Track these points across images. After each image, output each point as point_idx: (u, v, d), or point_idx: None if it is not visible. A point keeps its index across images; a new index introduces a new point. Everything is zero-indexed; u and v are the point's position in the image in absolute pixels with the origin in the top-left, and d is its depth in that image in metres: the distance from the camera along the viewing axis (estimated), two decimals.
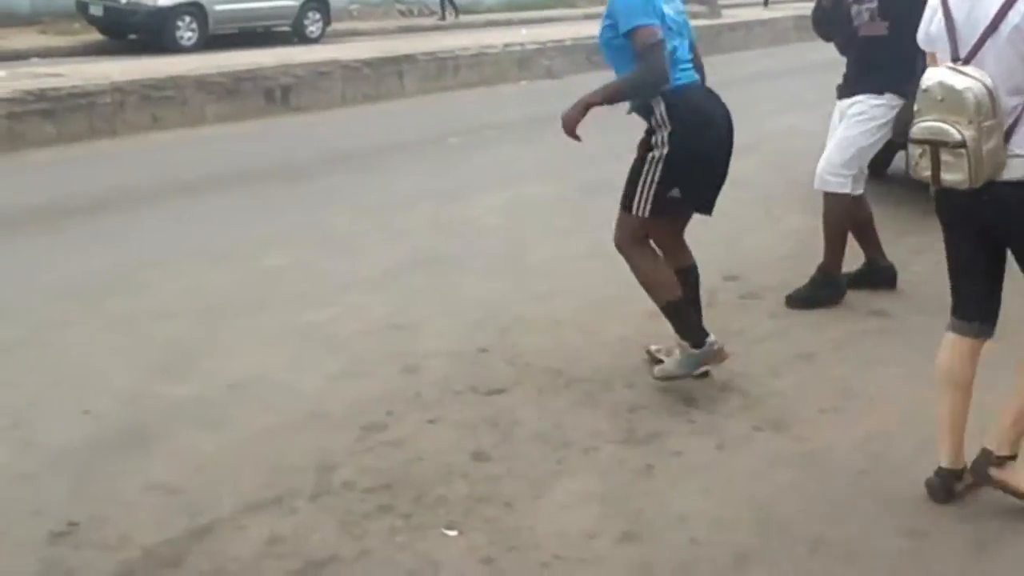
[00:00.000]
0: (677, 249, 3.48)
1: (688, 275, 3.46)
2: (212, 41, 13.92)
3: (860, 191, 4.32)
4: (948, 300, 4.34)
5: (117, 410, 3.28)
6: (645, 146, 3.25)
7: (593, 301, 4.25)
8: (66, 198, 6.03)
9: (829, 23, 4.36)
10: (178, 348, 3.79)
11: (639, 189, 3.22)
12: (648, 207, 3.22)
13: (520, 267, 4.78)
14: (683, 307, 3.33)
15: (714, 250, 4.91)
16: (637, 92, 3.18)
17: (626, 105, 3.30)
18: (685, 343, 3.33)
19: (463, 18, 18.69)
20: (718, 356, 3.35)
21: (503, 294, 4.37)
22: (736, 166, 6.18)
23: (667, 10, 3.17)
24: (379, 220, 5.60)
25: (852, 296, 4.33)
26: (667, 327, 3.44)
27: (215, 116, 8.81)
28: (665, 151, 3.17)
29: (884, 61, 4.03)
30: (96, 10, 14.23)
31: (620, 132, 3.82)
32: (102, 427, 3.16)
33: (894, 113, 4.08)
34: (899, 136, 4.03)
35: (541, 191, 6.13)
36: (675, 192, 3.24)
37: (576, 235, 5.13)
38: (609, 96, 3.14)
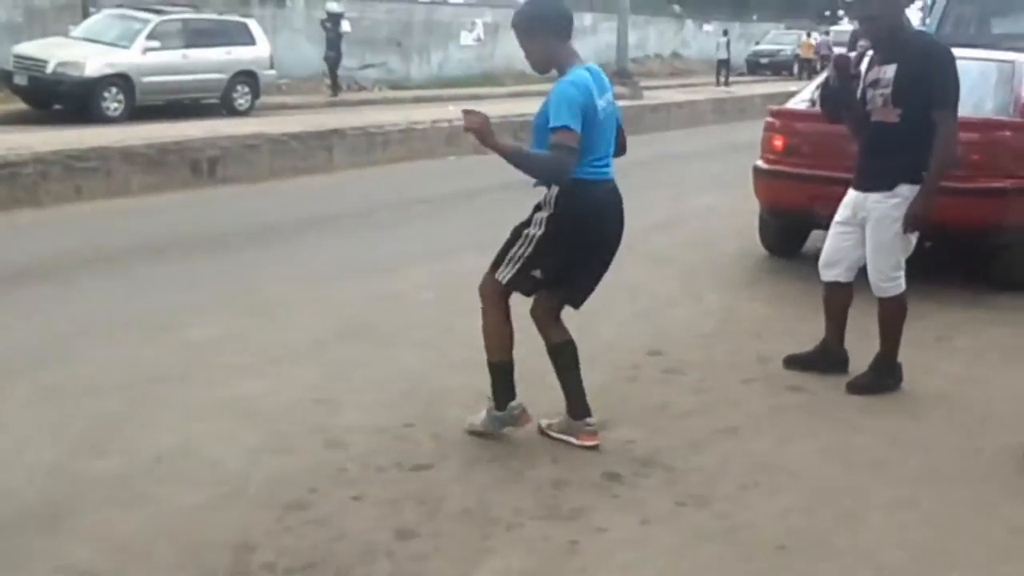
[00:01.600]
0: (551, 323, 3.56)
1: (563, 351, 3.56)
2: (139, 112, 13.82)
3: (852, 278, 4.33)
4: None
5: (33, 487, 3.17)
6: (529, 219, 3.39)
7: (520, 375, 4.27)
8: None
9: (835, 103, 4.34)
10: (101, 421, 3.70)
11: (507, 258, 3.40)
12: (509, 277, 3.40)
13: (447, 340, 4.79)
14: (505, 372, 3.49)
15: (638, 325, 5.04)
16: (536, 173, 3.33)
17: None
18: (491, 403, 3.52)
19: (391, 94, 18.93)
20: (519, 421, 3.52)
21: (430, 367, 4.38)
22: (659, 243, 6.39)
23: (600, 102, 3.30)
24: (308, 292, 5.58)
25: (770, 371, 4.45)
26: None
27: (141, 187, 8.71)
28: (539, 232, 3.32)
29: (895, 149, 4.03)
30: (20, 79, 14.05)
31: None
32: (15, 505, 3.05)
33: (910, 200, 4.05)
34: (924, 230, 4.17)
35: (469, 264, 6.14)
36: (536, 273, 3.38)
37: None
38: (515, 158, 3.24)
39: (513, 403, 3.51)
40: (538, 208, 3.38)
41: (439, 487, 3.25)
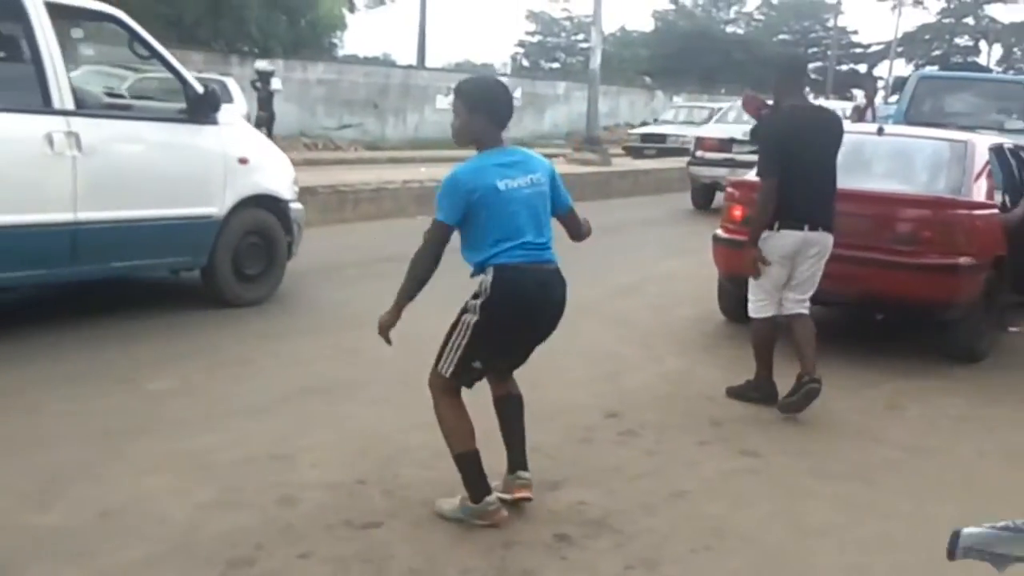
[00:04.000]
0: (497, 381, 3.59)
1: (507, 404, 3.57)
2: None
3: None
4: (814, 442, 4.58)
5: None
6: (464, 306, 3.38)
7: (476, 435, 4.28)
8: None
9: None
10: (51, 475, 3.65)
11: (447, 348, 3.38)
12: (451, 369, 3.37)
13: (407, 397, 4.77)
14: (472, 462, 3.38)
15: (596, 387, 5.07)
16: (413, 277, 3.41)
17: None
18: (466, 495, 3.40)
19: (367, 154, 19.03)
20: (492, 515, 3.37)
21: (389, 424, 4.37)
22: (620, 306, 6.43)
23: (508, 184, 3.27)
24: (272, 347, 5.58)
25: (725, 434, 4.49)
26: (540, 462, 3.48)
27: None
28: (474, 319, 3.31)
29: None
30: None
31: None
32: None
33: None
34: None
35: (432, 323, 6.18)
36: (476, 364, 3.38)
37: None
38: (402, 296, 3.43)
39: (489, 498, 3.38)
40: (475, 295, 3.35)
41: (388, 546, 3.23)
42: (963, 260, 5.69)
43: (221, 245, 6.23)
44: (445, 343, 3.40)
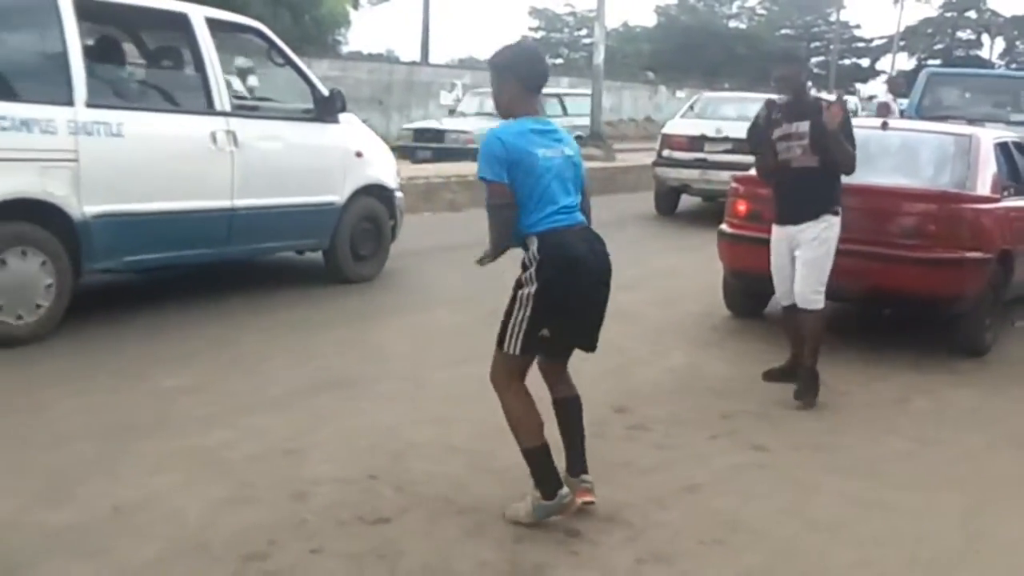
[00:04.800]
0: (557, 381, 3.56)
1: (568, 406, 3.55)
2: None
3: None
4: (824, 436, 4.59)
5: None
6: (518, 282, 3.33)
7: (487, 429, 4.27)
8: None
9: (759, 140, 5.12)
10: (65, 471, 3.66)
11: (510, 326, 3.31)
12: (519, 345, 3.30)
13: (420, 393, 4.82)
14: (543, 456, 3.35)
15: (605, 382, 5.06)
16: (496, 246, 3.38)
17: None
18: (537, 492, 3.35)
19: None
20: (568, 508, 3.36)
21: (400, 419, 4.38)
22: (625, 301, 6.43)
23: (544, 152, 3.29)
24: (284, 342, 5.60)
25: (734, 428, 4.50)
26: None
27: None
28: (534, 288, 3.25)
29: (817, 187, 4.89)
30: None
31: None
32: None
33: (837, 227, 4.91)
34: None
35: (442, 318, 6.24)
36: (544, 332, 3.32)
37: (476, 362, 5.11)
38: (492, 249, 3.37)
39: (562, 491, 3.32)
40: (524, 267, 3.32)
41: (400, 541, 3.24)
42: (968, 254, 5.69)
43: (341, 228, 7.13)
44: (506, 323, 3.32)
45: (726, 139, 11.57)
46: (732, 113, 12.70)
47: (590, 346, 3.52)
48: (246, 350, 5.39)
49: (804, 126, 4.88)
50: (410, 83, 26.21)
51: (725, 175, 8.78)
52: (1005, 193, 6.23)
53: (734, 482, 3.92)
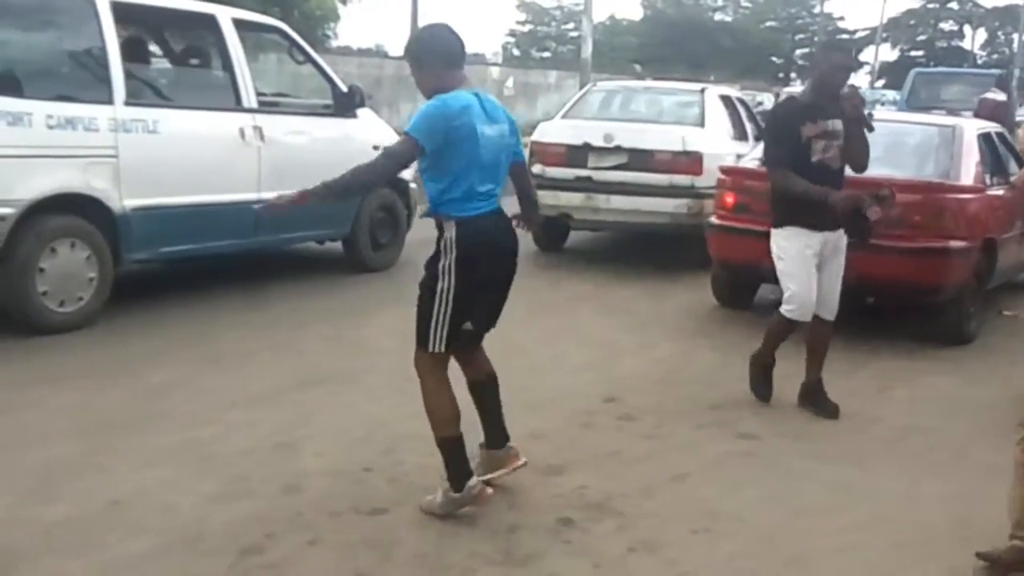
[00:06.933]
0: (473, 360, 3.58)
1: (485, 386, 3.58)
2: None
3: None
4: (809, 424, 4.65)
5: None
6: (431, 274, 3.29)
7: (477, 420, 4.33)
8: None
9: (784, 150, 4.56)
10: (56, 468, 3.68)
11: (433, 325, 3.27)
12: (443, 342, 3.29)
13: (408, 386, 4.80)
14: (456, 447, 3.37)
15: (594, 372, 5.13)
16: (352, 189, 3.37)
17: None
18: (446, 484, 3.38)
19: None
20: (479, 499, 3.37)
21: (390, 412, 4.41)
22: (615, 293, 6.45)
23: (484, 130, 3.24)
24: (271, 338, 5.61)
25: (722, 418, 4.56)
26: (541, 447, 3.52)
27: None
28: (451, 283, 3.23)
29: (842, 187, 4.56)
30: None
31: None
32: None
33: None
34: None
35: None
36: (468, 325, 3.35)
37: None
38: (330, 187, 3.26)
39: (471, 482, 3.36)
40: (435, 259, 3.28)
41: (394, 531, 3.28)
42: (953, 244, 5.76)
43: (361, 218, 7.46)
44: (426, 320, 3.28)
45: (619, 149, 8.03)
46: (639, 110, 9.35)
47: (493, 324, 3.53)
48: (229, 347, 5.40)
49: (839, 124, 4.52)
50: (400, 78, 26.07)
51: (622, 201, 7.86)
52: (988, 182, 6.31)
53: (721, 471, 3.98)
